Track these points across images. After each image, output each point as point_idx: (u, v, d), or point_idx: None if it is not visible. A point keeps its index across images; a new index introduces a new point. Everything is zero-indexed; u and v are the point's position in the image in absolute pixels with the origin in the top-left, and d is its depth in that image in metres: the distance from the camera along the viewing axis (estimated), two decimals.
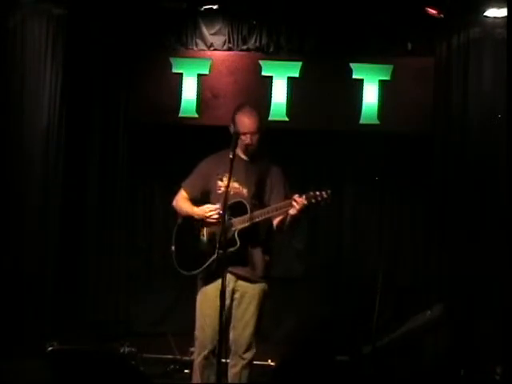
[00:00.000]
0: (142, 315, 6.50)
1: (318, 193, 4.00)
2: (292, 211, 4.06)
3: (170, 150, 6.53)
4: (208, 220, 4.26)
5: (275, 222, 4.26)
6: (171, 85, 6.51)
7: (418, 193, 6.49)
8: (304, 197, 4.01)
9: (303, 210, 4.04)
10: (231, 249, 4.08)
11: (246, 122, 4.32)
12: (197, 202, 4.43)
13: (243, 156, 4.36)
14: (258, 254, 4.28)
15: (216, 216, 4.22)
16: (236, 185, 4.24)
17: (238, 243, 4.14)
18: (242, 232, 4.16)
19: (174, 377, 5.62)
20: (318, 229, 6.60)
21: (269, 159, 4.47)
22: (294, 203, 4.03)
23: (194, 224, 4.35)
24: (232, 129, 4.36)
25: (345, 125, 6.46)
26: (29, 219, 6.06)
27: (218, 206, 4.23)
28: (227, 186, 4.05)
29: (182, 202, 4.45)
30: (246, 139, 4.30)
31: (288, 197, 4.24)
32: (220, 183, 4.34)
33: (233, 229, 4.15)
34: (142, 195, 6.78)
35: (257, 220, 4.16)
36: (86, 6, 6.32)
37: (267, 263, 4.33)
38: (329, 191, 4.00)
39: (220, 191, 4.32)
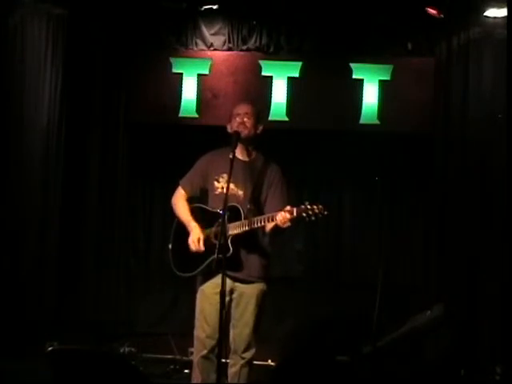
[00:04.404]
0: (142, 315, 6.50)
1: (309, 207, 3.91)
2: (280, 222, 4.00)
3: (170, 150, 6.53)
4: (190, 243, 4.24)
5: (268, 227, 4.21)
6: (171, 85, 6.51)
7: (417, 193, 6.50)
8: (295, 210, 3.96)
9: (292, 222, 4.00)
10: (225, 255, 4.03)
11: (239, 104, 4.41)
12: (195, 199, 4.43)
13: (241, 156, 4.34)
14: (253, 257, 4.25)
15: (192, 248, 4.20)
16: (232, 186, 4.17)
17: (231, 250, 4.08)
18: (235, 238, 4.12)
19: (174, 377, 5.62)
20: (318, 229, 6.60)
21: (268, 158, 4.45)
22: (284, 215, 3.96)
23: None
24: (229, 128, 4.35)
25: (345, 125, 6.47)
26: (29, 219, 6.06)
27: (202, 248, 4.18)
28: (227, 188, 4.02)
29: (179, 203, 4.41)
30: (239, 120, 4.28)
31: (285, 198, 4.24)
32: (216, 184, 4.32)
33: (226, 234, 4.09)
34: (142, 195, 6.78)
35: (251, 227, 4.09)
36: (86, 6, 6.33)
37: (264, 265, 4.30)
38: (320, 206, 3.91)
39: (217, 192, 4.30)
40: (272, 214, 4.04)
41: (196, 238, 4.21)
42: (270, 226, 4.12)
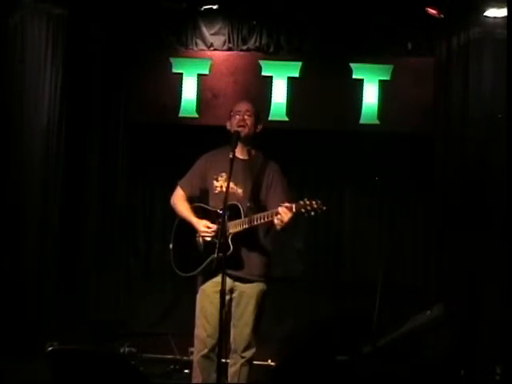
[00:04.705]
0: (142, 315, 6.50)
1: (308, 202, 3.91)
2: (279, 218, 3.98)
3: (170, 149, 6.53)
4: (201, 235, 4.25)
5: (277, 226, 4.19)
6: (171, 85, 6.51)
7: (418, 193, 6.50)
8: (294, 205, 3.95)
9: (292, 219, 3.98)
10: (225, 253, 4.03)
11: (240, 102, 4.42)
12: (196, 199, 4.43)
13: (240, 155, 4.33)
14: (253, 256, 4.25)
15: (208, 237, 4.20)
16: (231, 185, 4.17)
17: (232, 248, 4.09)
18: (235, 236, 4.12)
19: (174, 377, 5.63)
20: (318, 229, 6.61)
21: (266, 156, 4.44)
22: (284, 211, 3.96)
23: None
24: (229, 125, 4.36)
25: (345, 125, 6.47)
26: (29, 219, 6.06)
27: (214, 227, 4.18)
28: (227, 187, 4.03)
29: (179, 202, 4.42)
30: (240, 117, 4.29)
31: (286, 194, 4.25)
32: (216, 183, 4.32)
33: (226, 233, 4.09)
34: (142, 195, 6.78)
35: (251, 225, 4.10)
36: (86, 6, 6.33)
37: (264, 263, 4.31)
38: (319, 201, 3.91)
39: (216, 191, 4.31)
40: (271, 211, 4.06)
41: (204, 227, 4.21)
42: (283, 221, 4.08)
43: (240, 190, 4.29)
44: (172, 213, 4.54)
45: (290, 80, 6.45)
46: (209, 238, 4.20)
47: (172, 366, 5.74)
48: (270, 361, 5.64)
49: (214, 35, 6.52)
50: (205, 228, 4.22)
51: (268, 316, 4.49)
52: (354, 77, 6.42)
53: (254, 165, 4.36)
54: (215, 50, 6.53)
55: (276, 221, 4.00)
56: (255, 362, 4.36)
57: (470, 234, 6.07)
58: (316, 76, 6.45)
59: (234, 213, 4.14)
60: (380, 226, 6.54)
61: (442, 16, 6.12)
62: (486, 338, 5.85)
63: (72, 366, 3.49)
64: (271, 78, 6.48)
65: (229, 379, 4.30)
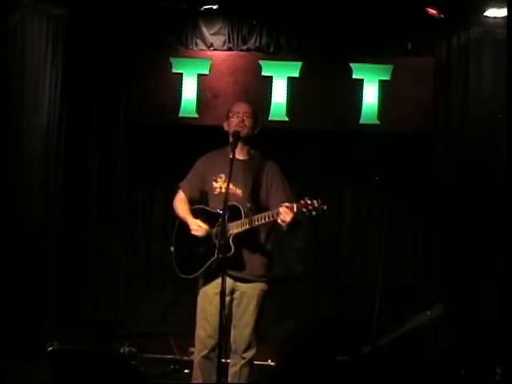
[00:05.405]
0: (141, 315, 6.50)
1: (309, 202, 3.92)
2: (281, 218, 3.99)
3: (170, 149, 6.53)
4: (192, 233, 4.26)
5: (283, 227, 4.18)
6: (171, 85, 6.52)
7: (418, 193, 6.50)
8: (295, 206, 3.95)
9: (293, 219, 3.98)
10: (227, 254, 4.02)
11: (238, 103, 4.42)
12: (196, 201, 4.44)
13: (239, 156, 4.32)
14: (255, 256, 4.26)
15: (199, 234, 4.22)
16: (230, 185, 4.15)
17: (233, 249, 4.09)
18: (236, 237, 4.13)
19: (174, 377, 5.62)
20: (319, 228, 6.61)
21: (264, 155, 4.44)
22: (285, 211, 3.96)
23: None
24: (226, 126, 4.35)
25: (345, 125, 6.47)
26: (29, 219, 6.06)
27: (205, 227, 4.21)
28: (227, 188, 4.03)
29: (179, 204, 4.44)
30: (239, 119, 4.28)
31: (287, 192, 4.25)
32: (215, 184, 4.33)
33: (227, 234, 4.09)
34: (142, 195, 6.78)
35: (252, 226, 4.10)
36: (86, 6, 6.33)
37: (266, 263, 4.31)
38: (320, 200, 3.92)
39: (216, 192, 4.32)
40: (272, 212, 4.06)
41: (195, 225, 4.23)
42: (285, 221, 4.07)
43: (239, 191, 4.29)
44: (172, 213, 4.55)
45: (290, 80, 6.45)
46: (199, 233, 4.21)
47: (172, 366, 5.73)
48: (270, 361, 5.64)
49: (214, 35, 6.52)
50: (196, 226, 4.23)
51: (268, 316, 4.49)
52: (354, 77, 6.42)
53: (252, 165, 4.36)
54: (215, 50, 6.53)
55: (279, 221, 4.01)
56: (255, 362, 4.36)
57: (470, 233, 6.08)
58: (316, 76, 6.45)
59: (234, 214, 4.14)
60: (380, 225, 6.55)
61: (442, 16, 6.13)
62: (485, 338, 5.85)
63: (72, 365, 3.49)
64: (271, 78, 6.48)
65: (229, 379, 4.30)
